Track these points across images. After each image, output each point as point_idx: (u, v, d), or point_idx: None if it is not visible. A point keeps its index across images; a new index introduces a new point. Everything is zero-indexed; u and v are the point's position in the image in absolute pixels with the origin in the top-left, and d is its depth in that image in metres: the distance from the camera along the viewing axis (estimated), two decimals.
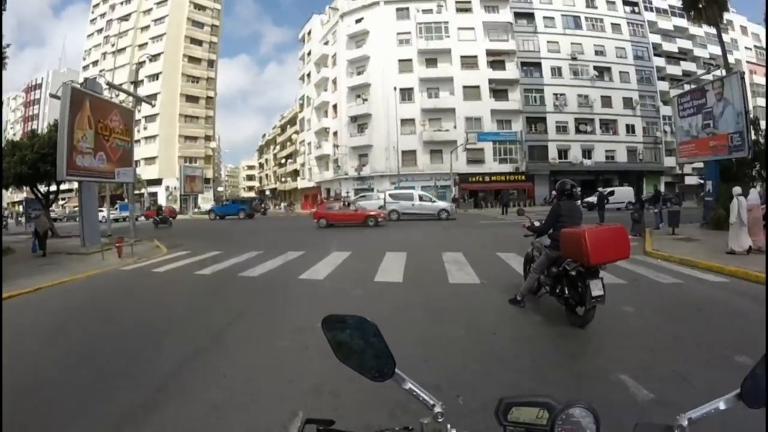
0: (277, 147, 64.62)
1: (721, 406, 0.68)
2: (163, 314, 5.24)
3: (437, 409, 0.74)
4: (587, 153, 37.26)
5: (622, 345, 3.71)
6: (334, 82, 39.95)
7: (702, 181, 17.96)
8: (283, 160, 59.26)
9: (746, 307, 4.89)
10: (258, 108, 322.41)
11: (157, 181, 46.21)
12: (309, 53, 46.28)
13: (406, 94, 36.26)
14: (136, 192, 30.92)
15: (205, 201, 43.86)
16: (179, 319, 4.97)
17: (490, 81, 36.19)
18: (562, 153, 36.85)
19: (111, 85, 16.46)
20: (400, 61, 36.84)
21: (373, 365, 0.77)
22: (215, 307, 5.49)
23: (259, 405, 2.74)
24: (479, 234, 14.23)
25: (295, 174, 53.01)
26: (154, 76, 47.43)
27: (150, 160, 47.08)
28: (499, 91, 36.47)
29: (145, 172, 44.18)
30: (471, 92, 35.90)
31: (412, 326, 4.24)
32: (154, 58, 46.12)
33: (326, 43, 41.51)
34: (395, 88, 35.44)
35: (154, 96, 40.79)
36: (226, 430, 2.46)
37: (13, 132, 61.35)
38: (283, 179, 59.07)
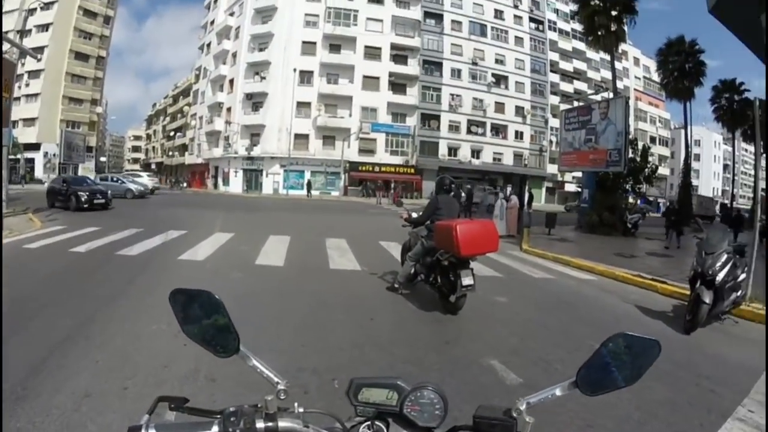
0: (167, 118, 60.18)
1: (558, 392, 0.73)
2: (33, 294, 4.80)
3: (280, 387, 0.73)
4: (476, 153, 39.39)
5: (494, 332, 3.92)
6: (234, 55, 38.41)
7: (580, 189, 19.70)
8: (171, 133, 55.52)
9: (612, 303, 5.35)
10: (136, 71, 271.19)
11: (36, 146, 41.51)
12: (212, 22, 43.96)
13: (306, 77, 35.85)
14: (12, 157, 27.47)
15: (86, 171, 40.13)
16: (51, 299, 4.59)
17: (391, 74, 36.88)
18: (452, 151, 38.61)
19: None
20: (304, 42, 36.31)
21: (217, 341, 0.76)
22: (90, 288, 5.11)
23: (133, 392, 2.66)
24: (364, 221, 14.66)
25: (183, 149, 50.06)
26: (44, 27, 42.50)
27: (29, 121, 42.10)
28: (398, 84, 37.29)
29: (23, 134, 39.41)
30: (370, 83, 36.31)
31: (292, 310, 4.27)
32: (47, 6, 41.36)
33: (232, 14, 39.81)
34: (295, 70, 34.91)
35: (40, 49, 36.52)
36: (99, 419, 2.33)
37: None
38: (170, 153, 55.29)
